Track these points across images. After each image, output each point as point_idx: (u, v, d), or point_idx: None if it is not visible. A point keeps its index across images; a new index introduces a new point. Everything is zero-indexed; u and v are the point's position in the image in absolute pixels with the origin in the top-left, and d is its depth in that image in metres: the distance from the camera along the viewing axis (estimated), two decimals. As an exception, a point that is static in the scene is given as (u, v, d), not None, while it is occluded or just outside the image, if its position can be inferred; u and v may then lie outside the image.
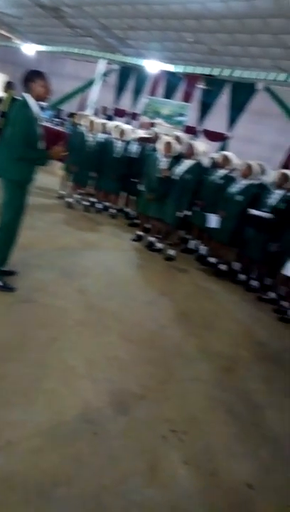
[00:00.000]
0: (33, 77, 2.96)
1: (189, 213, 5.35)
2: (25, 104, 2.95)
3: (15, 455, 1.87)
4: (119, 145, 6.41)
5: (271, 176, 5.19)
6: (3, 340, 2.65)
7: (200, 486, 2.04)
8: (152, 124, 7.73)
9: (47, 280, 3.72)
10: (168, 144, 5.36)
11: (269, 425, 2.62)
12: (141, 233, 5.90)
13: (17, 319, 2.96)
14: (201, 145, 5.54)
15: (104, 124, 6.90)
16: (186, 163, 5.29)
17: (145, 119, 9.51)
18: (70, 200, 6.61)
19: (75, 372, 2.59)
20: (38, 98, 3.02)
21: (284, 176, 4.86)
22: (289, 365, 3.47)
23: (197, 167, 5.42)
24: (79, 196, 6.84)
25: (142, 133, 6.83)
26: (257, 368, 3.30)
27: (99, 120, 6.79)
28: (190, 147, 5.31)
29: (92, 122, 6.33)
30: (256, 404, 2.79)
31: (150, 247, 5.64)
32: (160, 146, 5.44)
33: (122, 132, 6.41)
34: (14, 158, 2.96)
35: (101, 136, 6.60)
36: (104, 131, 6.79)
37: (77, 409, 2.29)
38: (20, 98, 3.01)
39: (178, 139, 6.07)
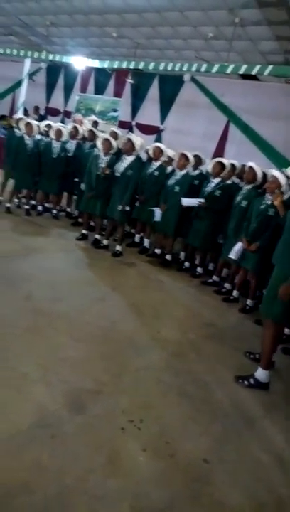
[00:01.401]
0: None
1: (127, 208, 5.38)
2: None
3: (-29, 470, 1.85)
4: (56, 145, 6.33)
5: (208, 166, 5.39)
6: None
7: (160, 469, 2.13)
8: (96, 123, 7.68)
9: (-10, 290, 3.63)
10: (107, 141, 5.35)
11: (219, 401, 2.77)
12: (85, 232, 5.88)
13: None
14: (139, 139, 5.60)
15: (39, 126, 6.77)
16: (127, 159, 5.30)
17: (78, 116, 9.45)
18: (9, 205, 6.43)
19: (28, 378, 2.58)
20: None
21: (220, 164, 5.06)
22: (234, 342, 3.68)
23: (138, 162, 5.45)
24: (16, 200, 6.70)
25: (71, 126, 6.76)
26: (205, 349, 3.46)
27: (36, 122, 6.63)
28: (130, 142, 5.31)
29: (29, 125, 6.20)
30: (206, 383, 2.94)
31: (96, 244, 5.65)
32: (99, 143, 5.42)
33: (59, 132, 6.32)
34: None
35: (38, 138, 6.48)
36: (40, 133, 6.68)
37: (32, 415, 2.28)
38: None
39: (115, 134, 6.10)
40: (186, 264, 5.48)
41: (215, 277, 5.07)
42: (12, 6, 9.70)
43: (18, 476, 1.89)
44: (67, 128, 6.74)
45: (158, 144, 5.72)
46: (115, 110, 11.19)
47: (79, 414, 2.38)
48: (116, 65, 7.81)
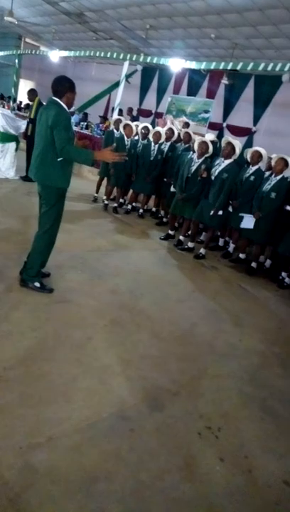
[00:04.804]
0: (67, 84, 3.04)
1: (220, 213, 5.24)
2: (60, 106, 3.02)
3: (56, 451, 1.95)
4: (154, 148, 6.45)
5: None
6: (40, 340, 2.75)
7: (237, 483, 2.05)
8: (187, 124, 7.72)
9: (81, 281, 3.83)
10: (205, 144, 5.32)
11: (305, 422, 2.59)
12: (171, 232, 5.92)
13: (53, 319, 3.06)
14: (238, 143, 5.42)
15: (136, 127, 6.96)
16: (225, 163, 5.18)
17: (168, 118, 9.56)
18: (107, 202, 6.77)
19: (110, 370, 2.66)
20: (67, 105, 3.10)
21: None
22: None
23: (235, 166, 5.29)
24: (104, 197, 6.99)
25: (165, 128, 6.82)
26: (292, 365, 3.26)
27: (134, 124, 6.84)
28: (230, 146, 5.14)
29: (128, 126, 6.44)
30: (292, 401, 2.77)
31: (179, 245, 5.66)
32: (195, 146, 5.41)
33: (158, 135, 6.44)
34: (62, 159, 3.01)
35: (135, 140, 6.67)
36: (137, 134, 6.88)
37: (113, 406, 2.35)
38: (50, 102, 3.05)
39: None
40: (283, 274, 5.16)
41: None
42: (116, 12, 10.11)
43: (99, 463, 1.96)
44: (164, 131, 6.82)
45: (258, 148, 5.46)
46: (206, 111, 11.07)
47: (157, 412, 2.39)
48: (213, 66, 7.69)
